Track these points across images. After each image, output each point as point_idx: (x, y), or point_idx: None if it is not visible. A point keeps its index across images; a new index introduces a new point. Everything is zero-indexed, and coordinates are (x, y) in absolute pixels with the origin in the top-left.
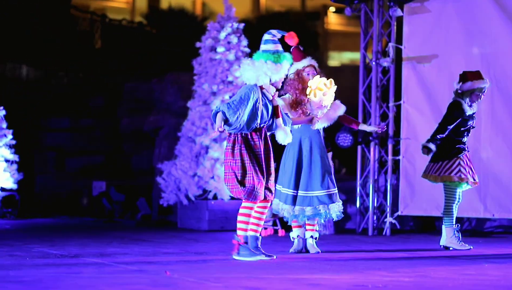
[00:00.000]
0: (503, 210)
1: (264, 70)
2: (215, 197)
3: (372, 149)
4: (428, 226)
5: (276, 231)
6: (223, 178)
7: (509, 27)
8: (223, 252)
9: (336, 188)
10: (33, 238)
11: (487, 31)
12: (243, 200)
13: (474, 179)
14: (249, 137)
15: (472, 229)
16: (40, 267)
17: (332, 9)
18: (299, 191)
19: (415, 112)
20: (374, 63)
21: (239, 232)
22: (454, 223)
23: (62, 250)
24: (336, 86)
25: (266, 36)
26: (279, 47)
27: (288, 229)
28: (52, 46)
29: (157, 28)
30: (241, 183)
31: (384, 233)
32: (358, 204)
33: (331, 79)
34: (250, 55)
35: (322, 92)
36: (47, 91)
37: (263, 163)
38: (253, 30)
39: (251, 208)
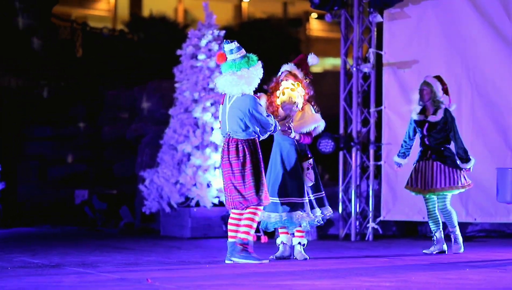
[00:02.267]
0: (485, 214)
1: (256, 75)
2: (197, 204)
3: (354, 155)
4: (411, 231)
5: (259, 238)
6: (230, 188)
7: (488, 32)
8: (205, 259)
9: (303, 198)
10: (14, 248)
11: (466, 36)
12: (254, 206)
13: (421, 187)
14: (256, 143)
15: None
16: (21, 277)
17: (314, 15)
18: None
19: (396, 117)
20: (354, 69)
21: (247, 236)
22: (433, 228)
23: (43, 259)
24: (302, 88)
25: (229, 46)
26: (244, 50)
27: (271, 235)
28: (33, 54)
29: (139, 36)
30: (258, 190)
31: (366, 239)
32: (340, 210)
33: (297, 82)
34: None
35: (288, 89)
36: (28, 100)
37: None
38: (236, 37)
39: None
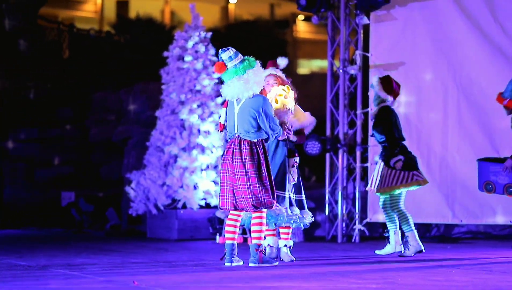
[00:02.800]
0: (471, 216)
1: (261, 74)
2: (184, 206)
3: (340, 157)
4: None
5: (245, 240)
6: (244, 190)
7: (474, 34)
8: (192, 261)
9: (284, 192)
10: (0, 250)
11: (453, 38)
12: (263, 209)
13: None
14: (264, 144)
15: (440, 235)
16: (8, 279)
17: (301, 17)
18: None
19: None
20: (341, 70)
21: (260, 240)
22: (405, 228)
23: (30, 262)
24: (293, 92)
25: (227, 54)
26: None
27: None
28: (19, 56)
29: (125, 38)
30: (273, 193)
31: (353, 240)
32: (327, 212)
33: (287, 85)
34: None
35: (282, 96)
36: (15, 102)
37: None
38: (223, 39)
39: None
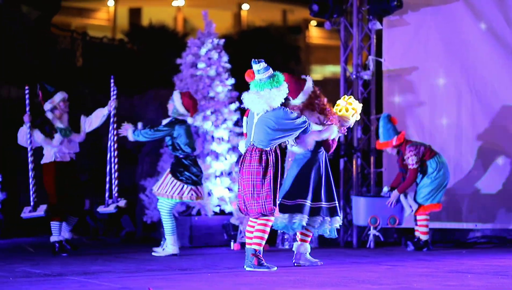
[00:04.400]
0: (486, 220)
1: (278, 95)
2: (198, 213)
3: (354, 162)
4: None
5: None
6: (245, 195)
7: (487, 37)
8: (207, 268)
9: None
10: (16, 258)
11: (465, 42)
12: (267, 217)
13: None
14: (278, 154)
15: (455, 239)
16: (23, 287)
17: (313, 23)
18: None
19: None
20: (354, 76)
21: (258, 247)
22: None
23: (45, 269)
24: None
25: (257, 66)
26: (271, 70)
27: (272, 243)
28: (33, 65)
29: (138, 45)
30: (275, 200)
31: (368, 246)
32: (341, 217)
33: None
34: (231, 71)
35: (355, 111)
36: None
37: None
38: (235, 45)
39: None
